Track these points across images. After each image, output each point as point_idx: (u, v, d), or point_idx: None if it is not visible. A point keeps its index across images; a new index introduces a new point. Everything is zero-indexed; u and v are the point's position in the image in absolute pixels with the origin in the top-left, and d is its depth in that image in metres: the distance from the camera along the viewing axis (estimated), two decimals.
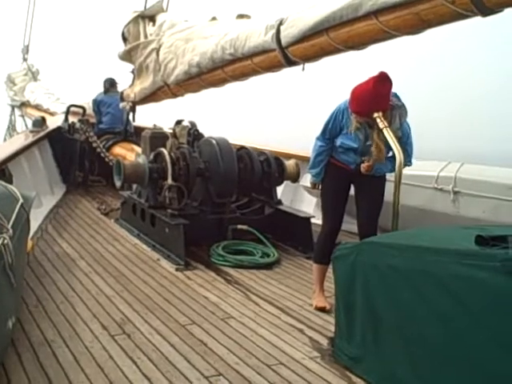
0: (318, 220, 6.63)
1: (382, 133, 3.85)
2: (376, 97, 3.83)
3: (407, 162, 4.06)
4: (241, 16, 6.22)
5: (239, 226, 5.65)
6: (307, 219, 5.70)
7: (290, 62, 5.01)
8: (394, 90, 3.91)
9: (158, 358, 3.25)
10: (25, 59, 14.93)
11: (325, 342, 3.53)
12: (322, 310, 4.06)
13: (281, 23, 4.98)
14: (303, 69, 5.01)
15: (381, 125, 3.92)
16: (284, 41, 4.93)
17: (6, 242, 3.07)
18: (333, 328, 3.50)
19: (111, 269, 4.92)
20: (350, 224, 6.56)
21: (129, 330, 3.62)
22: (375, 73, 3.89)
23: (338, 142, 4.09)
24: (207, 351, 3.36)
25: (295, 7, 4.98)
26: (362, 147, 4.00)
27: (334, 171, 4.17)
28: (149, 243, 5.70)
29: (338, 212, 4.22)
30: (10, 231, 3.26)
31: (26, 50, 14.78)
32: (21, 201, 3.90)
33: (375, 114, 3.93)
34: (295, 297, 4.39)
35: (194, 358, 3.26)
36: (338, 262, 3.37)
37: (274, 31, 5.01)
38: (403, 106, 3.98)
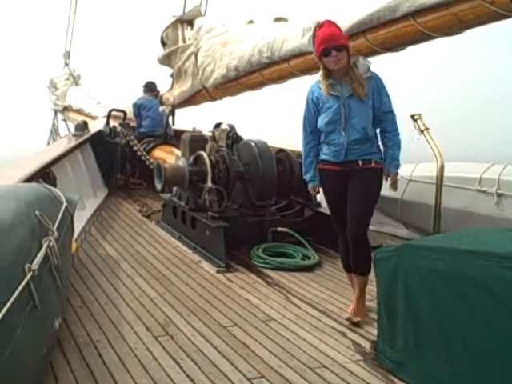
0: None
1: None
2: (331, 33, 3.79)
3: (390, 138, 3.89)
4: (278, 19, 6.25)
5: (279, 229, 5.66)
6: None
7: None
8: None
9: (200, 359, 3.28)
10: (66, 64, 15.23)
11: (367, 346, 3.52)
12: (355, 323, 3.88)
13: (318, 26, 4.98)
14: None
15: (421, 127, 3.91)
16: None
17: (51, 244, 3.14)
18: (375, 331, 3.48)
19: (153, 271, 4.99)
20: (390, 226, 6.55)
21: (172, 332, 3.66)
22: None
23: (320, 124, 3.91)
24: (249, 353, 3.38)
25: (332, 10, 4.97)
26: (342, 107, 3.81)
27: (325, 178, 4.01)
28: (190, 245, 5.75)
29: (345, 219, 3.96)
30: (56, 233, 3.33)
31: (67, 55, 15.09)
32: (65, 204, 3.99)
33: (415, 117, 3.91)
34: (336, 299, 4.38)
35: (236, 360, 3.28)
36: (379, 265, 3.35)
37: (310, 34, 5.02)
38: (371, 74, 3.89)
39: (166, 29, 7.73)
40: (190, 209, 5.97)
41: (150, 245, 5.92)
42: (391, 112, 3.91)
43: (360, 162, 3.86)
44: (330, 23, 3.88)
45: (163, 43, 7.87)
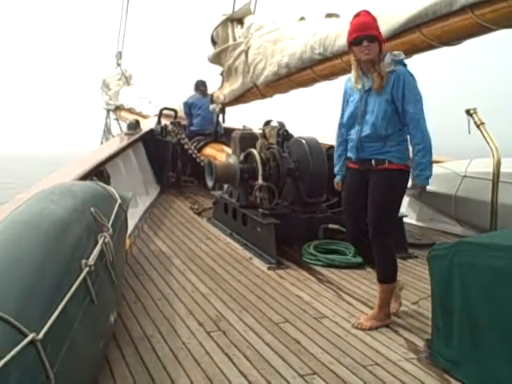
0: (410, 219, 6.53)
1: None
2: (365, 22, 3.66)
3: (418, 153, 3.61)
4: (329, 15, 6.21)
5: (330, 226, 5.63)
6: (399, 218, 5.58)
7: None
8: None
9: (252, 355, 3.29)
10: (118, 64, 15.52)
11: (421, 344, 3.45)
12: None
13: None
14: None
15: (477, 121, 3.81)
16: None
17: (107, 240, 3.21)
18: (429, 329, 3.42)
19: (205, 267, 5.04)
20: (443, 223, 6.42)
21: (224, 327, 3.69)
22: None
23: (344, 118, 3.82)
24: (301, 350, 3.37)
25: (385, 4, 4.90)
26: (360, 101, 3.68)
27: (347, 174, 3.93)
28: (241, 242, 5.79)
29: (352, 217, 3.90)
30: (110, 230, 3.40)
31: (119, 55, 15.37)
32: (119, 201, 4.07)
33: (471, 111, 3.82)
34: None
35: (288, 356, 3.27)
36: (434, 262, 3.29)
37: None
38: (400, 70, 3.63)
39: (216, 27, 7.79)
40: (240, 206, 6.01)
41: (201, 241, 5.98)
42: (414, 112, 3.59)
43: (373, 162, 3.68)
44: (366, 13, 3.76)
45: (213, 42, 7.93)
